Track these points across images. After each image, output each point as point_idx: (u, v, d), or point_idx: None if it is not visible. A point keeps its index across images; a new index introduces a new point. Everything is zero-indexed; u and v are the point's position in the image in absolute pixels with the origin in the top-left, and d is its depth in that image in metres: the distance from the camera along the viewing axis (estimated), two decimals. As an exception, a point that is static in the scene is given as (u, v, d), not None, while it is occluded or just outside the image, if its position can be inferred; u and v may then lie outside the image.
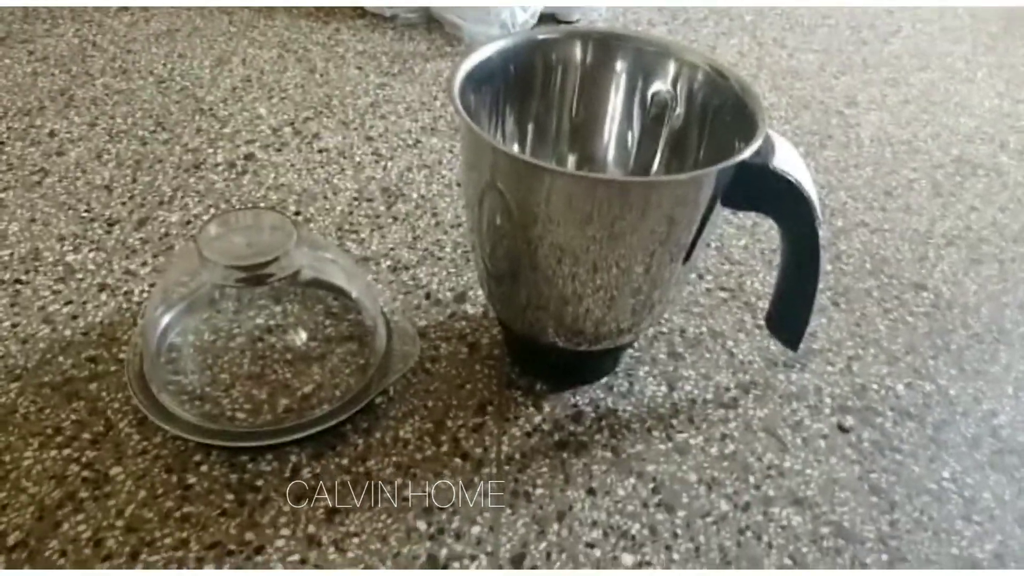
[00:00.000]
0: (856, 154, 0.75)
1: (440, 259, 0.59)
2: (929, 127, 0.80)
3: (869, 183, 0.71)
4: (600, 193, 0.39)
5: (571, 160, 0.50)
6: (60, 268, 0.55)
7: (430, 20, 0.92)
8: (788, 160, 0.41)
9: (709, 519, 0.43)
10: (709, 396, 0.50)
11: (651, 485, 0.44)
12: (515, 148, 0.49)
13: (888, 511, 0.44)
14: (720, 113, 0.43)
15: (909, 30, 1.00)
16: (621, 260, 0.41)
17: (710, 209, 0.41)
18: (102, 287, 0.54)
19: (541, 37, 0.47)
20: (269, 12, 0.92)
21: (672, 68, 0.45)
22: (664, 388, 0.50)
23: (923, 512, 0.44)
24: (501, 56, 0.45)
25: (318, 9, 0.93)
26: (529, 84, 0.48)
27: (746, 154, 0.39)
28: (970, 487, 0.46)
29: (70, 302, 0.53)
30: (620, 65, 0.46)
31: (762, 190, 0.40)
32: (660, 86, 0.46)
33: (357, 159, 0.69)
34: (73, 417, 0.45)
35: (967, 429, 0.49)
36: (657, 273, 0.43)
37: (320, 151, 0.69)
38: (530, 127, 0.49)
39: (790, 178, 0.40)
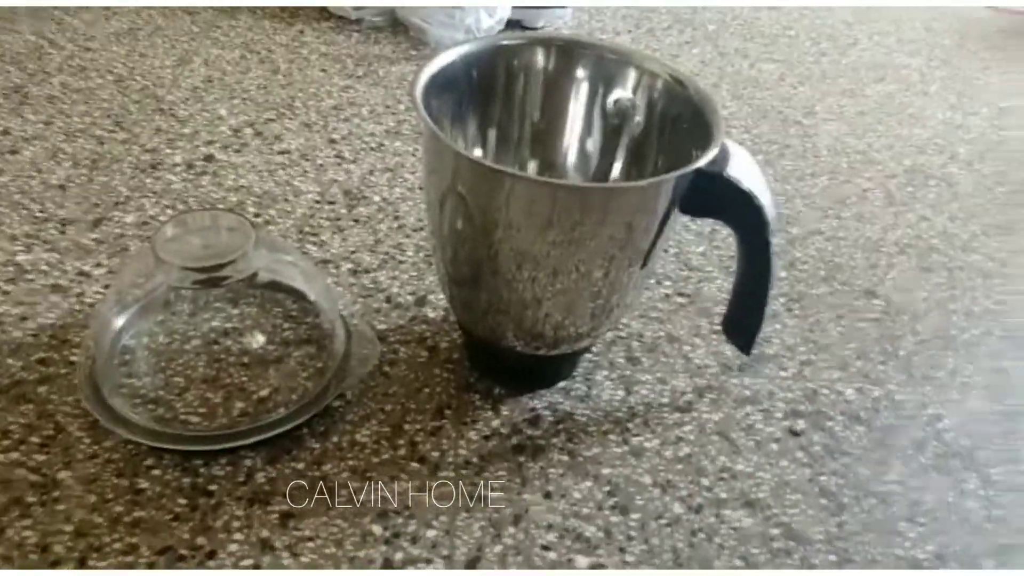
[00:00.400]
0: (813, 163, 0.76)
1: (401, 263, 0.59)
2: (884, 138, 0.82)
3: (825, 192, 0.73)
4: (560, 198, 0.40)
5: (532, 166, 0.51)
6: (11, 269, 0.54)
7: (395, 23, 0.92)
8: (743, 169, 0.41)
9: (662, 521, 0.43)
10: (665, 400, 0.51)
11: (606, 488, 0.45)
12: (477, 153, 0.50)
13: (837, 513, 0.45)
14: (679, 121, 0.44)
15: (867, 42, 1.03)
16: (580, 264, 0.41)
17: (668, 215, 0.42)
18: (54, 288, 0.53)
19: (504, 43, 0.48)
20: (232, 12, 0.91)
21: (633, 76, 0.46)
22: (621, 392, 0.51)
23: (869, 514, 0.45)
24: (464, 61, 0.46)
25: (282, 10, 0.93)
26: (492, 89, 0.48)
27: (702, 162, 0.39)
28: (915, 489, 0.47)
29: (20, 303, 0.52)
30: (582, 72, 0.47)
31: (718, 198, 0.41)
32: (621, 94, 0.47)
33: (319, 161, 0.68)
34: (22, 420, 0.45)
35: (913, 433, 0.50)
36: (616, 278, 0.43)
37: (281, 153, 0.69)
38: (492, 132, 0.50)
39: (744, 187, 0.41)
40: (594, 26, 0.98)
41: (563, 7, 0.95)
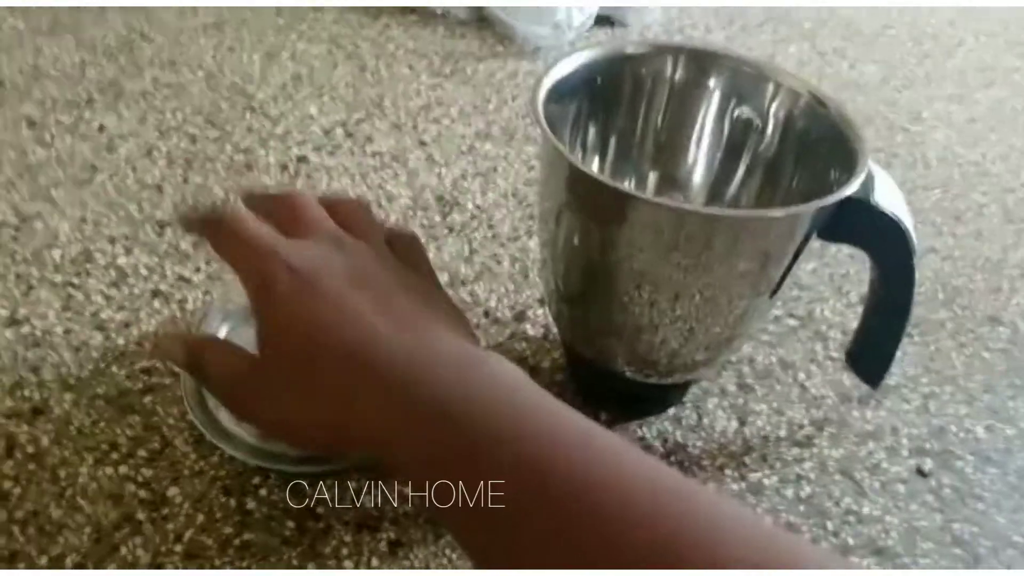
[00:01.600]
0: (924, 174, 0.72)
1: (497, 275, 0.57)
2: (997, 147, 0.77)
3: (938, 206, 0.69)
4: (689, 225, 0.37)
5: (652, 178, 0.48)
6: (112, 272, 0.54)
7: (481, 18, 0.90)
8: (889, 195, 0.39)
9: (786, 567, 0.41)
10: (782, 433, 0.48)
11: (725, 528, 0.42)
12: (595, 163, 0.47)
13: (972, 565, 0.42)
14: (819, 144, 0.41)
15: (972, 43, 0.97)
16: (705, 290, 0.39)
17: (804, 243, 0.39)
18: (155, 293, 0.53)
19: (630, 51, 0.45)
20: (317, 3, 0.90)
21: (769, 92, 0.43)
22: (735, 423, 0.48)
23: (1010, 567, 0.42)
24: (588, 69, 0.43)
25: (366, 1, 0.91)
26: (615, 99, 0.46)
27: (850, 190, 0.37)
28: (1058, 541, 0.44)
29: (123, 308, 0.52)
30: (713, 84, 0.44)
31: (862, 225, 0.39)
32: (751, 111, 0.44)
33: (411, 165, 0.67)
34: (128, 432, 0.44)
35: (1052, 478, 0.47)
36: (742, 306, 0.41)
37: (373, 155, 0.68)
38: (612, 142, 0.47)
39: (893, 216, 0.38)
40: (684, 23, 0.94)
41: (653, 4, 0.92)
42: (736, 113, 0.44)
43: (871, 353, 0.45)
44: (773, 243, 0.38)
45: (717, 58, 0.44)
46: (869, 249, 0.41)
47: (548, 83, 0.41)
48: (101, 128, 0.68)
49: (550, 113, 0.40)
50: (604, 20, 0.90)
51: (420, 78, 0.79)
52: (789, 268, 0.40)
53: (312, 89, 0.76)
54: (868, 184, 0.38)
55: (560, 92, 0.42)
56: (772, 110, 0.43)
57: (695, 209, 0.42)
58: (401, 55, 0.83)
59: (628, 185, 0.48)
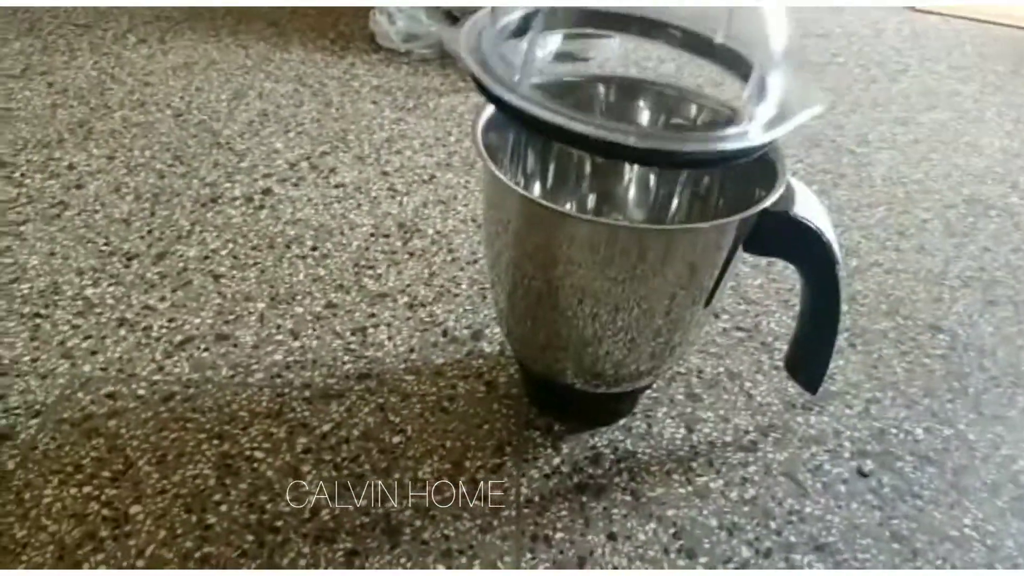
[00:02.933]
0: (869, 193, 0.75)
1: (456, 296, 0.59)
2: (940, 166, 0.80)
3: (883, 223, 0.71)
4: (621, 240, 0.40)
5: (591, 199, 0.51)
6: (79, 302, 0.56)
7: (443, 55, 0.93)
8: (809, 207, 0.41)
9: (731, 565, 0.43)
10: (728, 439, 0.50)
11: (672, 530, 0.44)
12: (536, 187, 0.50)
13: (911, 559, 0.44)
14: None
15: (917, 69, 1.01)
16: (643, 302, 0.41)
17: (731, 255, 0.41)
18: (121, 322, 0.54)
19: (566, 79, 0.48)
20: (284, 45, 0.93)
21: (693, 111, 0.46)
22: (683, 430, 0.50)
23: (946, 560, 0.44)
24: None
25: (332, 43, 0.94)
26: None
27: (768, 202, 0.39)
28: (992, 535, 0.45)
29: (89, 337, 0.53)
30: (642, 106, 0.47)
31: (784, 237, 0.41)
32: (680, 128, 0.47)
33: (373, 194, 0.69)
34: (93, 454, 0.45)
35: (987, 475, 0.49)
36: (679, 316, 0.43)
37: (337, 186, 0.70)
38: (552, 166, 0.50)
39: (812, 226, 0.40)
40: (640, 55, 0.98)
41: (610, 36, 0.96)
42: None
43: (807, 360, 0.47)
44: (701, 255, 0.40)
45: (645, 84, 0.47)
46: (794, 260, 0.43)
47: (488, 113, 0.44)
48: (71, 166, 0.70)
49: (491, 141, 0.42)
50: (566, 56, 0.94)
51: (384, 112, 0.82)
52: (720, 279, 0.42)
53: (278, 125, 0.78)
54: (788, 197, 0.40)
55: (499, 120, 0.44)
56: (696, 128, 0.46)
57: (625, 225, 0.44)
58: (366, 92, 0.85)
59: (569, 206, 0.50)
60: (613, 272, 0.40)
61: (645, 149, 0.36)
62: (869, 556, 0.44)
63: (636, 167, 0.49)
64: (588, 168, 0.50)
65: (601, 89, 0.47)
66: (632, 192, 0.50)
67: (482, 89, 0.37)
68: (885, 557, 0.44)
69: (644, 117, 0.47)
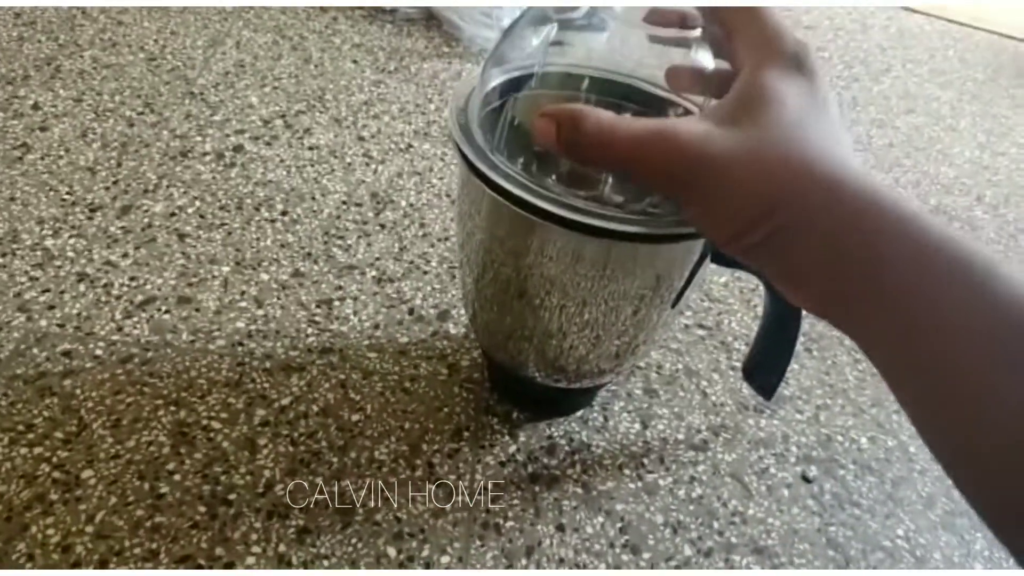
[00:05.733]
0: (839, 196, 0.76)
1: (425, 273, 0.59)
2: (910, 173, 0.82)
3: (849, 227, 0.72)
4: (589, 248, 0.40)
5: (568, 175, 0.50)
6: (39, 253, 0.54)
7: (429, 16, 0.91)
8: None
9: (672, 563, 0.44)
10: (680, 436, 0.51)
11: (619, 525, 0.45)
12: (519, 162, 0.49)
13: (843, 566, 0.46)
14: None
15: (900, 70, 1.02)
16: (610, 300, 0.42)
17: (699, 266, 0.42)
18: (81, 277, 0.53)
19: (547, 70, 0.47)
20: (266, -7, 0.90)
21: (670, 112, 0.46)
22: (638, 425, 0.51)
23: (876, 569, 0.46)
24: (505, 85, 0.45)
25: (316, -6, 0.92)
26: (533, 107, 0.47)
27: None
28: (922, 547, 0.47)
29: (47, 290, 0.52)
30: (626, 109, 0.47)
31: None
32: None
33: (348, 160, 0.68)
34: (45, 414, 0.45)
35: (923, 488, 0.51)
36: (645, 316, 0.43)
37: (311, 148, 0.69)
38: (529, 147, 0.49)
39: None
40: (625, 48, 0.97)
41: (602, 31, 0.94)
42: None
43: (765, 369, 0.48)
44: (667, 265, 0.41)
45: (623, 80, 0.47)
46: (759, 275, 0.44)
47: (465, 90, 0.43)
48: (36, 106, 0.67)
49: (468, 120, 0.42)
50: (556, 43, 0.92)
51: (364, 73, 0.80)
52: (687, 284, 0.43)
53: (254, 78, 0.76)
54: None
55: (483, 104, 0.44)
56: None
57: (593, 226, 0.43)
58: (347, 49, 0.84)
59: (550, 180, 0.49)
60: (583, 270, 0.40)
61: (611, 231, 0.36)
62: (805, 561, 0.45)
63: None
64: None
65: (583, 93, 0.46)
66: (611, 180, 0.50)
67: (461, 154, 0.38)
68: (820, 563, 0.45)
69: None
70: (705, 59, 0.38)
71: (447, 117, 0.42)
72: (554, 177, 0.44)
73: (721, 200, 0.30)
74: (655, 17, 0.37)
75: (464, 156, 0.38)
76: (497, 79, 0.44)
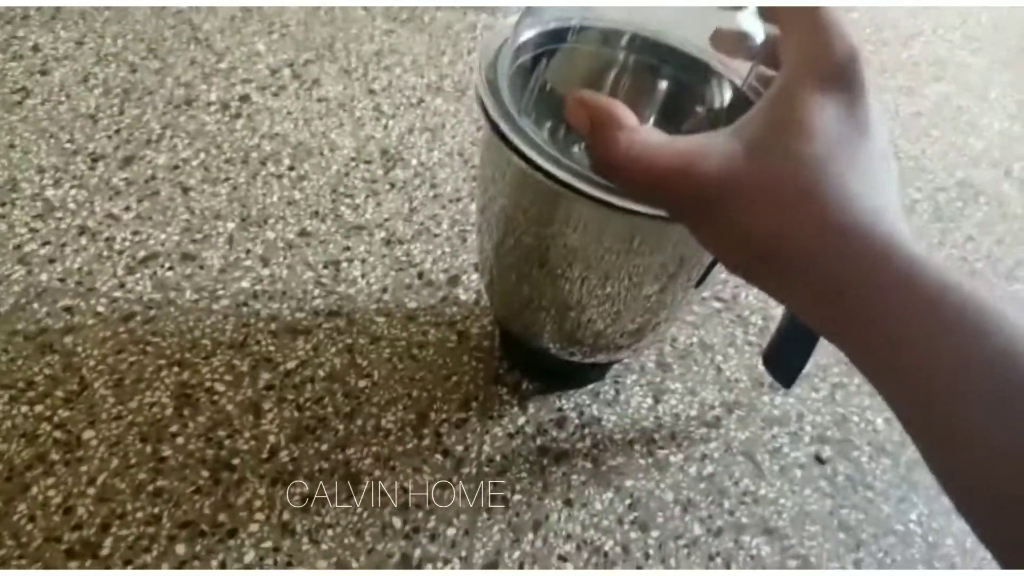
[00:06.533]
0: (863, 166, 0.74)
1: (436, 235, 0.57)
2: (938, 144, 0.79)
3: (872, 199, 0.70)
4: (615, 223, 0.38)
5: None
6: (39, 204, 0.53)
7: (445, -37, 0.87)
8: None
9: (681, 542, 0.43)
10: (693, 412, 0.50)
11: (628, 501, 0.44)
12: (546, 129, 0.47)
13: (854, 549, 0.45)
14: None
15: (930, 35, 0.98)
16: (634, 275, 0.40)
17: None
18: (82, 230, 0.52)
19: (584, 23, 0.45)
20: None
21: (714, 86, 0.43)
22: (650, 400, 0.50)
23: (887, 554, 0.45)
24: (544, 37, 0.42)
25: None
26: (570, 70, 0.45)
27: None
28: (935, 532, 0.47)
29: (48, 243, 0.51)
30: (663, 73, 0.44)
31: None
32: (697, 102, 0.44)
33: (357, 114, 0.66)
34: (47, 372, 0.44)
35: (938, 471, 0.50)
36: (669, 293, 0.42)
37: (319, 100, 0.66)
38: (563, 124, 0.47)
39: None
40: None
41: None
42: (682, 102, 0.44)
43: (786, 357, 0.46)
44: (693, 246, 0.39)
45: (669, 48, 0.44)
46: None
47: (495, 42, 0.41)
48: (36, 48, 0.65)
49: (497, 76, 0.39)
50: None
51: (375, 22, 0.77)
52: (715, 263, 0.41)
53: (262, 24, 0.73)
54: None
55: (513, 59, 0.41)
56: (716, 104, 0.44)
57: (618, 205, 0.41)
58: (358, -5, 0.81)
59: (574, 151, 0.47)
60: (608, 243, 0.39)
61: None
62: (815, 544, 0.45)
63: (655, 115, 0.46)
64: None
65: (623, 47, 0.44)
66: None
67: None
68: (831, 546, 0.45)
69: (663, 89, 0.45)
70: (752, 26, 0.36)
71: (472, 73, 0.39)
72: (583, 145, 0.42)
73: (730, 233, 0.29)
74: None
75: (491, 119, 0.36)
76: (531, 31, 0.41)
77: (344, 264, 0.53)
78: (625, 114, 0.30)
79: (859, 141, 0.28)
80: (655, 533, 0.43)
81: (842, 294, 0.27)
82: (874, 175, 0.28)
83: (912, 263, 0.26)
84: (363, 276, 0.53)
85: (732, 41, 0.38)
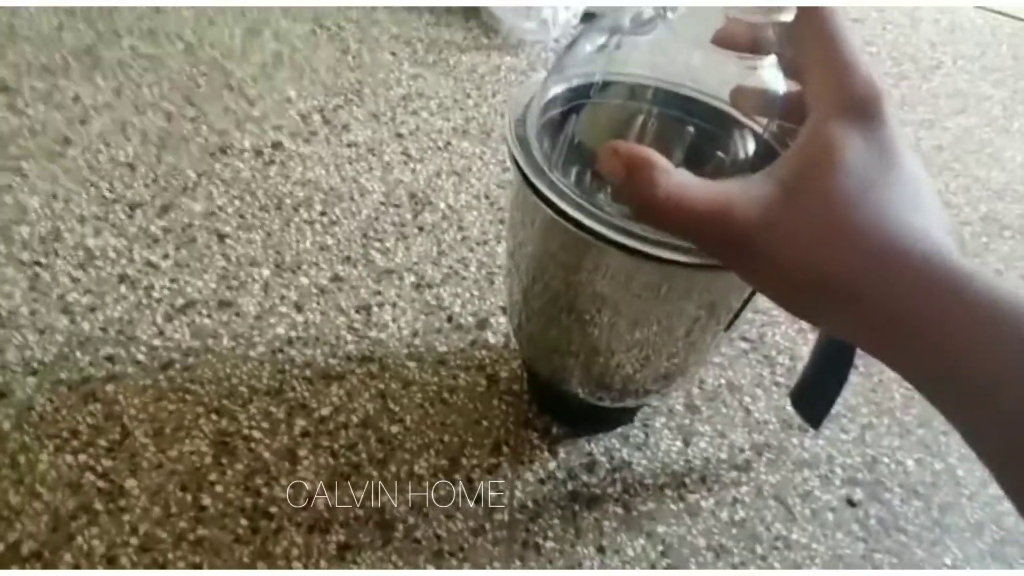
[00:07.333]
0: (886, 201, 0.74)
1: (464, 279, 0.58)
2: (961, 178, 0.79)
3: (897, 235, 0.71)
4: (645, 271, 0.39)
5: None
6: (81, 253, 0.54)
7: (468, 7, 0.89)
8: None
9: (714, 589, 0.43)
10: (723, 455, 0.50)
11: (660, 547, 0.45)
12: (573, 173, 0.48)
13: (888, 595, 0.45)
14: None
15: (950, 67, 0.99)
16: (663, 320, 0.41)
17: (756, 291, 0.41)
18: (122, 278, 0.53)
19: (608, 79, 0.46)
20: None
21: (735, 132, 0.44)
22: (679, 443, 0.50)
23: (922, 599, 0.45)
24: (566, 94, 0.44)
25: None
26: (598, 120, 0.46)
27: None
28: (969, 576, 0.46)
29: (89, 292, 0.52)
30: (687, 123, 0.45)
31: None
32: (719, 151, 0.45)
33: (386, 158, 0.67)
34: (89, 420, 0.45)
35: (972, 514, 0.50)
36: (698, 337, 0.42)
37: (349, 145, 0.68)
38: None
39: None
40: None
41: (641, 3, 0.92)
42: (706, 152, 0.45)
43: (814, 398, 0.47)
44: (724, 290, 0.40)
45: (690, 100, 0.45)
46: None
47: (524, 98, 0.42)
48: (76, 98, 0.67)
49: (526, 131, 0.40)
50: (590, 17, 0.90)
51: (402, 66, 0.79)
52: (743, 307, 0.42)
53: (292, 70, 0.75)
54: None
55: (541, 114, 0.42)
56: (740, 153, 0.44)
57: (649, 253, 0.42)
58: (385, 40, 0.82)
59: (601, 197, 0.48)
60: (637, 290, 0.39)
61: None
62: (849, 589, 0.45)
63: (680, 165, 0.47)
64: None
65: (645, 105, 0.45)
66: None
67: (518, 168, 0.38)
68: (864, 592, 0.45)
69: (685, 146, 0.45)
70: (773, 80, 0.36)
71: (498, 116, 0.41)
72: (608, 191, 0.43)
73: (772, 270, 0.30)
74: (726, 40, 0.35)
75: (522, 172, 0.37)
76: (557, 87, 0.42)
77: (375, 309, 0.54)
78: (660, 158, 0.31)
79: (889, 168, 0.29)
80: (692, 570, 0.44)
81: (892, 319, 0.27)
82: (909, 198, 0.29)
83: (959, 277, 0.26)
84: (394, 320, 0.54)
85: (753, 99, 0.39)
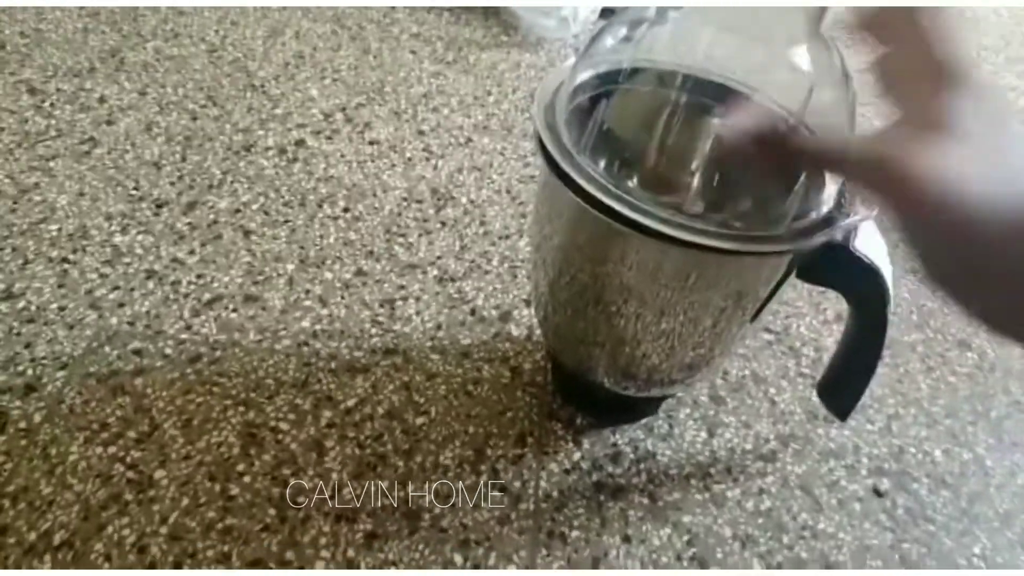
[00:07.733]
0: (910, 193, 0.74)
1: (487, 272, 0.58)
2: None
3: (921, 226, 0.70)
4: (674, 257, 0.39)
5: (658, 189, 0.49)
6: (108, 250, 0.55)
7: (487, 6, 0.90)
8: (870, 241, 0.40)
9: (741, 578, 0.43)
10: (748, 446, 0.50)
11: (686, 537, 0.45)
12: (602, 163, 0.47)
13: (918, 585, 0.44)
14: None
15: (974, 59, 0.98)
16: (690, 310, 0.41)
17: (784, 280, 0.40)
18: (149, 274, 0.54)
19: (636, 65, 0.46)
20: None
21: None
22: (704, 434, 0.50)
23: (952, 589, 0.44)
24: (595, 81, 0.44)
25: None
26: (624, 112, 0.46)
27: (835, 235, 0.38)
28: (999, 566, 0.46)
29: (117, 287, 0.53)
30: (715, 110, 0.45)
31: (840, 270, 0.40)
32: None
33: (408, 155, 0.68)
34: (119, 413, 0.46)
35: (1001, 504, 0.49)
36: (724, 328, 0.42)
37: (371, 142, 0.68)
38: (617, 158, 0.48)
39: (870, 262, 0.39)
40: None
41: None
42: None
43: (841, 390, 0.46)
44: (753, 279, 0.39)
45: (718, 86, 0.45)
46: (846, 293, 0.42)
47: (552, 85, 0.42)
48: (102, 99, 0.68)
49: (555, 118, 0.40)
50: (609, 13, 0.90)
51: (423, 64, 0.79)
52: (770, 298, 0.41)
53: (314, 70, 0.76)
54: (851, 227, 0.39)
55: (569, 100, 0.42)
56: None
57: (677, 237, 0.42)
58: (405, 39, 0.83)
59: (630, 185, 0.48)
60: (664, 279, 0.39)
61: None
62: (878, 579, 0.44)
63: (703, 165, 0.47)
64: (663, 161, 0.48)
65: (674, 92, 0.45)
66: (697, 178, 0.48)
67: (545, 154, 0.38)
68: (893, 582, 0.44)
69: (714, 132, 0.45)
70: (803, 62, 0.36)
71: (532, 114, 0.41)
72: (635, 180, 0.43)
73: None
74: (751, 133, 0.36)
75: (551, 159, 0.37)
76: (585, 73, 0.42)
77: (399, 302, 0.55)
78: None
79: (1001, 129, 0.28)
80: (714, 569, 0.43)
81: None
82: None
83: None
84: (418, 314, 0.54)
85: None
